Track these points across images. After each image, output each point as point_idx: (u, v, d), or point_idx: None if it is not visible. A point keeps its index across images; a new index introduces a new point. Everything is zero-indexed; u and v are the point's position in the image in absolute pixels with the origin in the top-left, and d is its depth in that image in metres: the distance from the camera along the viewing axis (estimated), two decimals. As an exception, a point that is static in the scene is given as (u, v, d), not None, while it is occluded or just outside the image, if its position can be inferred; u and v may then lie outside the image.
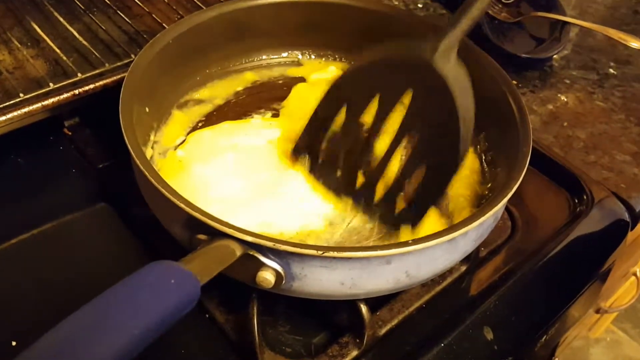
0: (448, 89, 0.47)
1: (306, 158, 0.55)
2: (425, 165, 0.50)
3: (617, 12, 0.96)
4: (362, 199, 0.53)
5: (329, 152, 0.54)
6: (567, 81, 0.80)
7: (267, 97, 0.65)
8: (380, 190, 0.52)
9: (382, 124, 0.51)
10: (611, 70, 0.82)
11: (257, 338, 0.47)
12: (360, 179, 0.53)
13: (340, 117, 0.53)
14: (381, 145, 0.52)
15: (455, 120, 0.47)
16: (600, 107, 0.76)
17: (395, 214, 0.51)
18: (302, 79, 0.68)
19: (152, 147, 0.57)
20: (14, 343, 0.46)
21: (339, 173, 0.54)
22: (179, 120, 0.61)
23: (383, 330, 0.50)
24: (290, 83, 0.67)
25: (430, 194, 0.50)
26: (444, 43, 0.48)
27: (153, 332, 0.32)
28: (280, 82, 0.67)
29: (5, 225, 0.55)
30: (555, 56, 0.82)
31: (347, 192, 0.53)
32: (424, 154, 0.50)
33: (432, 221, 0.52)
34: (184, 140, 0.59)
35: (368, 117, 0.52)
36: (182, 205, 0.42)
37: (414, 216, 0.50)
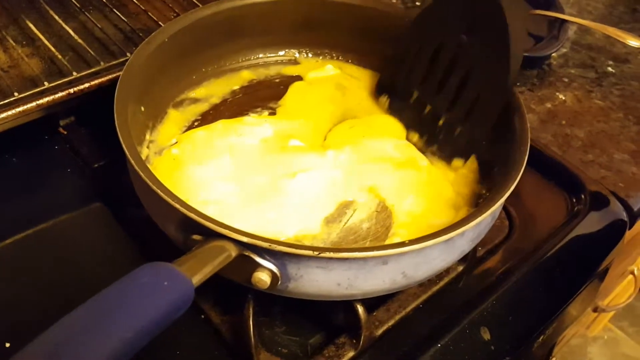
0: (503, 14, 0.51)
1: (386, 97, 0.63)
2: (479, 94, 0.55)
3: (616, 10, 0.95)
4: (430, 132, 0.59)
5: (404, 92, 0.61)
6: (566, 79, 0.79)
7: (263, 96, 0.64)
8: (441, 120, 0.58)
9: (449, 57, 0.57)
10: (609, 69, 0.82)
11: (253, 339, 0.46)
12: (428, 110, 0.59)
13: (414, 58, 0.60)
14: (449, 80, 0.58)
15: (506, 47, 0.52)
16: (598, 106, 0.75)
17: (452, 140, 0.57)
18: (299, 78, 0.67)
19: (148, 147, 0.57)
20: (7, 344, 0.46)
21: (412, 106, 0.60)
22: (175, 119, 0.60)
23: (380, 331, 0.50)
24: (287, 81, 0.66)
25: (483, 121, 0.55)
26: None
27: (146, 335, 0.32)
28: (277, 80, 0.67)
29: (0, 225, 0.55)
30: (553, 54, 0.82)
31: (416, 125, 0.60)
32: (479, 83, 0.55)
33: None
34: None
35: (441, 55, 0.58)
36: (177, 206, 0.42)
37: (466, 147, 0.56)
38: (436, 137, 0.59)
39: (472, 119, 0.56)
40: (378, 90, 0.64)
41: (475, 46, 0.55)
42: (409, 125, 0.61)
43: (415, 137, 0.60)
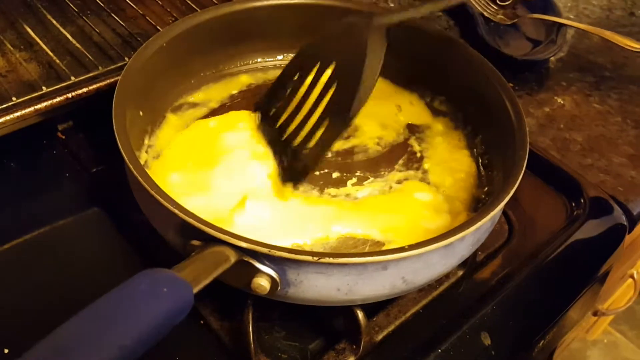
0: (365, 52, 0.53)
1: (257, 114, 0.62)
2: (327, 119, 0.55)
3: (613, 14, 0.96)
4: (282, 150, 0.58)
5: (278, 111, 0.60)
6: (564, 83, 0.79)
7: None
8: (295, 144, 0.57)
9: (316, 87, 0.57)
10: (607, 73, 0.82)
11: (252, 344, 0.46)
12: (289, 131, 0.58)
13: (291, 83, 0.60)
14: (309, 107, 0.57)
15: (358, 79, 0.52)
16: (596, 110, 0.75)
17: (297, 160, 0.56)
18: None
19: (147, 151, 0.57)
20: (6, 350, 0.46)
21: (277, 126, 0.59)
22: (174, 123, 0.60)
23: (380, 336, 0.50)
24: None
25: (319, 150, 0.55)
26: (377, 20, 0.54)
27: (146, 342, 0.31)
28: (276, 85, 0.67)
29: (-2, 230, 0.55)
30: (551, 58, 0.82)
31: (276, 148, 0.58)
32: (329, 109, 0.55)
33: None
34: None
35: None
36: (176, 211, 0.41)
37: (304, 167, 0.56)
38: (284, 161, 0.57)
39: (312, 147, 0.55)
40: (258, 106, 0.62)
41: (335, 76, 0.55)
42: (270, 144, 0.59)
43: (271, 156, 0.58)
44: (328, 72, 0.56)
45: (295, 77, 0.59)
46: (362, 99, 0.53)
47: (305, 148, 0.56)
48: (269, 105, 0.61)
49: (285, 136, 0.58)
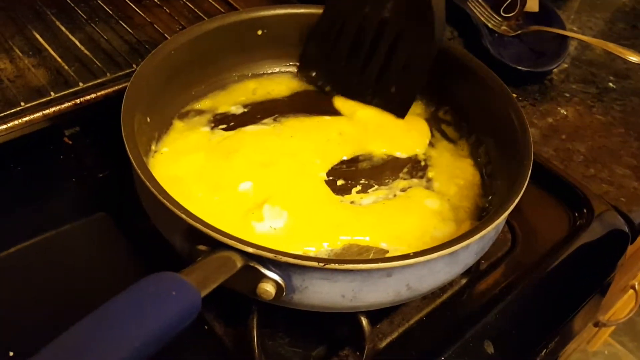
0: None
1: (314, 72, 0.65)
2: (408, 54, 0.59)
3: (616, 26, 0.96)
4: (363, 95, 0.62)
5: (333, 59, 0.63)
6: (567, 95, 0.80)
7: (268, 107, 0.65)
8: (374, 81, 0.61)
9: (375, 24, 0.60)
10: (610, 84, 0.83)
11: (256, 350, 0.46)
12: (361, 73, 0.62)
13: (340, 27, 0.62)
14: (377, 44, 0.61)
15: (430, 10, 0.55)
16: (599, 121, 0.76)
17: (389, 93, 0.60)
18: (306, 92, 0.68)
19: (153, 157, 0.57)
20: (11, 353, 0.46)
21: (342, 72, 0.62)
22: (180, 130, 0.60)
23: (383, 343, 0.50)
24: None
25: (415, 79, 0.59)
26: None
27: (154, 345, 0.32)
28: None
29: (4, 233, 0.55)
30: (555, 70, 0.83)
31: (348, 91, 0.62)
32: (406, 42, 0.58)
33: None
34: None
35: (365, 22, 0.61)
36: (184, 216, 0.42)
37: (401, 103, 0.60)
38: (370, 99, 0.63)
39: (404, 79, 0.60)
40: (304, 66, 0.66)
41: (398, 12, 0.58)
42: (342, 93, 0.64)
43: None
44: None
45: (342, 22, 0.61)
46: (439, 23, 0.55)
47: (399, 81, 0.59)
48: (321, 49, 0.63)
49: (358, 78, 0.61)
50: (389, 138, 0.62)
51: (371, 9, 0.60)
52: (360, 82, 0.62)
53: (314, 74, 0.64)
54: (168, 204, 0.43)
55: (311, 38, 0.65)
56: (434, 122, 0.65)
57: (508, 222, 0.60)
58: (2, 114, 0.56)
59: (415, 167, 0.60)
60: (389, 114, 0.64)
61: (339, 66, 0.63)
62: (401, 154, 0.61)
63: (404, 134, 0.63)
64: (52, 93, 0.59)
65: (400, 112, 0.60)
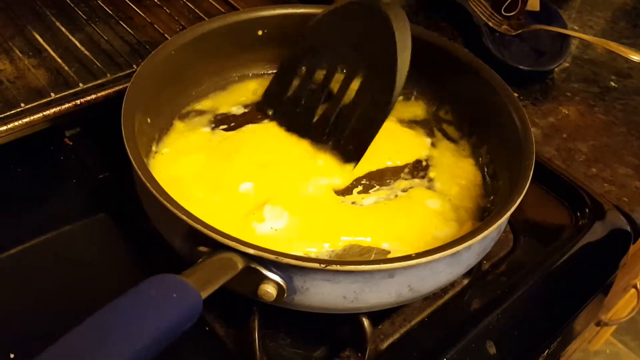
0: (390, 27, 0.54)
1: (272, 110, 0.63)
2: (367, 101, 0.57)
3: (617, 25, 0.96)
4: (318, 137, 0.60)
5: (291, 99, 0.62)
6: (569, 94, 0.80)
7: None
8: (330, 125, 0.60)
9: (337, 68, 0.60)
10: (612, 84, 0.82)
11: (257, 351, 0.46)
12: (318, 116, 0.60)
13: (304, 67, 0.62)
14: (336, 87, 0.60)
15: (393, 56, 0.54)
16: (601, 120, 0.76)
17: (341, 144, 0.58)
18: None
19: (154, 158, 0.57)
20: (12, 355, 0.46)
21: (299, 113, 0.61)
22: (181, 130, 0.60)
23: (385, 344, 0.50)
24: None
25: (369, 129, 0.57)
26: None
27: (155, 347, 0.31)
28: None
29: (5, 234, 0.55)
30: (556, 69, 0.83)
31: (304, 131, 0.60)
32: (366, 90, 0.57)
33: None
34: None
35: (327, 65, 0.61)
36: (184, 217, 0.42)
37: (355, 152, 0.57)
38: (325, 141, 0.60)
39: (359, 127, 0.58)
40: (264, 102, 0.64)
41: (363, 58, 0.57)
42: (297, 132, 0.61)
43: (306, 143, 0.60)
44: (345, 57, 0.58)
45: (306, 61, 0.61)
46: (401, 79, 0.54)
47: (354, 130, 0.57)
48: (282, 88, 0.62)
49: (315, 119, 0.60)
50: (388, 149, 0.61)
51: (335, 55, 0.59)
52: (315, 125, 0.60)
53: (270, 112, 0.63)
54: (168, 205, 0.42)
55: (275, 76, 0.65)
56: (435, 122, 0.65)
57: (510, 222, 0.60)
58: (2, 115, 0.56)
59: (417, 167, 0.60)
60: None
61: (295, 107, 0.62)
62: (401, 162, 0.61)
63: (402, 144, 0.62)
64: (52, 94, 0.59)
65: (353, 158, 0.58)
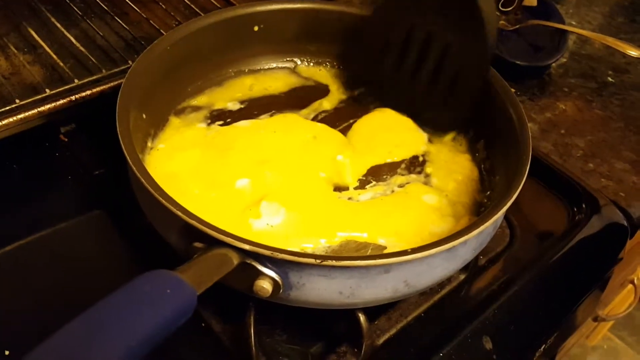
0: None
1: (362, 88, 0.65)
2: (458, 70, 0.58)
3: (615, 20, 0.96)
4: (413, 109, 0.61)
5: (383, 74, 0.63)
6: (566, 89, 0.80)
7: (265, 103, 0.65)
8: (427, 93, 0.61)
9: (424, 35, 0.59)
10: (609, 79, 0.82)
11: (253, 347, 0.46)
12: (413, 85, 0.61)
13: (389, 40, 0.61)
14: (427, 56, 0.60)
15: (480, 19, 0.54)
16: (598, 115, 0.76)
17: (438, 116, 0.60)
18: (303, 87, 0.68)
19: (149, 154, 0.57)
20: (6, 352, 0.46)
21: (391, 88, 0.62)
22: (176, 126, 0.60)
23: (381, 340, 0.50)
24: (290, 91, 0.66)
25: (466, 95, 0.58)
26: None
27: (149, 343, 0.31)
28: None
29: (0, 232, 0.55)
30: (553, 64, 0.82)
31: (399, 105, 0.62)
32: (456, 58, 0.58)
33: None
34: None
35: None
36: (179, 213, 0.41)
37: (451, 122, 0.60)
38: (421, 115, 0.62)
39: (455, 94, 0.59)
40: (352, 83, 0.65)
41: (447, 23, 0.57)
42: (391, 107, 0.63)
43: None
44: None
45: (387, 36, 0.61)
46: (491, 40, 0.54)
47: (449, 98, 0.58)
48: (368, 71, 0.63)
49: (408, 92, 0.60)
50: (386, 146, 0.61)
51: (418, 20, 0.59)
52: (409, 96, 0.61)
53: (357, 92, 0.64)
54: (163, 201, 0.42)
55: (354, 52, 0.65)
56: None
57: (506, 217, 0.60)
58: (-3, 112, 0.56)
59: (413, 163, 0.60)
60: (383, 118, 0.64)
61: (387, 80, 0.62)
62: (398, 158, 0.61)
63: (399, 139, 0.62)
64: (47, 90, 0.59)
65: (449, 127, 0.60)
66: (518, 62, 0.78)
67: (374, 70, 0.64)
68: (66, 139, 0.64)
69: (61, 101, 0.59)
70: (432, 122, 0.62)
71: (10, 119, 0.56)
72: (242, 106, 0.64)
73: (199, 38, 0.61)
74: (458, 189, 0.57)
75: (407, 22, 0.60)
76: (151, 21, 0.71)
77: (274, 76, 0.68)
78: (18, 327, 0.48)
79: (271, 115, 0.63)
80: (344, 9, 0.67)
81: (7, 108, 0.57)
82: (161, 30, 0.69)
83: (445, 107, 0.60)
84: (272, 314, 0.50)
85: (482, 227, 0.44)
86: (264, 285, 0.41)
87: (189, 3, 0.75)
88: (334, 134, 0.61)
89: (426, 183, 0.58)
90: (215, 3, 0.75)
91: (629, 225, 0.62)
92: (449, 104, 0.60)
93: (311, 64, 0.70)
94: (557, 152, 0.69)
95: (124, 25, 0.70)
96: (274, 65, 0.69)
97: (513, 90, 0.58)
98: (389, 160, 0.60)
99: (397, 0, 0.60)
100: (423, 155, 0.61)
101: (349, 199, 0.55)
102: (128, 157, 0.45)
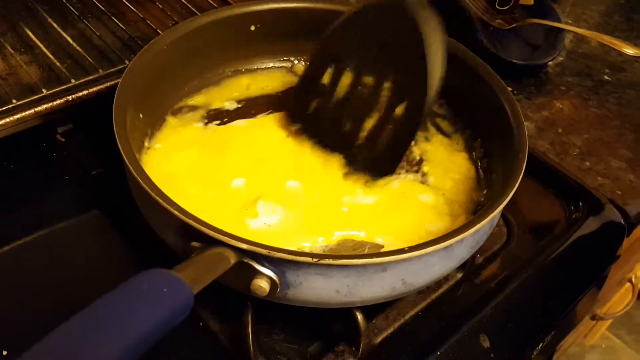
0: (418, 29, 0.50)
1: (297, 126, 0.59)
2: (398, 111, 0.54)
3: (611, 19, 0.96)
4: (348, 151, 0.57)
5: (317, 113, 0.59)
6: (563, 88, 0.80)
7: (262, 102, 0.64)
8: (361, 137, 0.57)
9: (363, 74, 0.56)
10: (606, 77, 0.82)
11: (251, 347, 0.46)
12: (347, 127, 0.57)
13: (327, 76, 0.58)
14: (364, 96, 0.57)
15: (423, 61, 0.50)
16: (595, 114, 0.76)
17: (374, 157, 0.55)
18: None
19: (146, 154, 0.57)
20: (4, 352, 0.46)
21: (326, 126, 0.58)
22: (173, 126, 0.60)
23: (379, 339, 0.50)
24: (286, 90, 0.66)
25: (401, 141, 0.54)
26: None
27: (146, 342, 0.31)
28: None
29: (-3, 232, 0.55)
30: (550, 63, 0.83)
31: (335, 145, 0.57)
32: (397, 98, 0.54)
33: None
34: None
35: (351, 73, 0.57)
36: (176, 213, 0.42)
37: (389, 164, 0.55)
38: (355, 157, 0.57)
39: (393, 136, 0.55)
40: (287, 118, 0.60)
41: (390, 64, 0.54)
42: (328, 147, 0.58)
43: (338, 159, 0.57)
44: (372, 63, 0.54)
45: (329, 70, 0.57)
46: (434, 84, 0.51)
47: (382, 143, 0.54)
48: (305, 102, 0.59)
49: (344, 130, 0.56)
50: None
51: (359, 63, 0.56)
52: (344, 138, 0.57)
53: (295, 128, 0.59)
54: (161, 201, 0.42)
55: (296, 90, 0.61)
56: (428, 116, 0.65)
57: (503, 215, 0.60)
58: (-6, 112, 0.56)
59: (410, 162, 0.60)
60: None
61: (321, 121, 0.58)
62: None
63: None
64: (44, 90, 0.59)
65: (386, 172, 0.55)
66: (515, 61, 0.78)
67: (305, 106, 0.60)
68: (63, 139, 0.64)
69: (58, 101, 0.59)
70: (364, 168, 0.56)
71: (7, 119, 0.56)
72: (239, 106, 0.64)
73: (195, 37, 0.61)
74: (455, 188, 0.57)
75: (350, 58, 0.56)
76: (148, 21, 0.71)
77: (270, 76, 0.68)
78: (16, 327, 0.48)
79: (268, 115, 0.63)
80: (340, 8, 0.67)
81: (4, 108, 0.57)
82: (158, 30, 0.69)
83: (372, 154, 0.56)
84: (270, 313, 0.50)
85: (478, 226, 0.44)
86: (262, 284, 0.41)
87: (185, 3, 0.75)
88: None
89: (423, 182, 0.58)
90: (212, 2, 0.75)
91: (625, 224, 0.62)
92: (376, 152, 0.56)
93: (308, 62, 0.70)
94: (554, 151, 0.69)
95: (121, 25, 0.70)
96: (271, 64, 0.69)
97: (510, 88, 0.58)
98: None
99: (343, 34, 0.56)
100: (420, 154, 0.61)
101: (346, 197, 0.55)
102: (125, 157, 0.45)
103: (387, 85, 0.55)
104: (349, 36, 0.56)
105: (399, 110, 0.54)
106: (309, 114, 0.59)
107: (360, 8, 0.55)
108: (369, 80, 0.56)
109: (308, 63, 0.60)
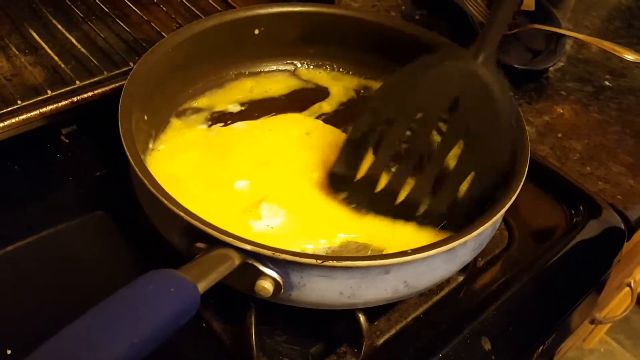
0: (492, 96, 0.49)
1: (344, 194, 0.54)
2: (473, 174, 0.51)
3: (612, 25, 0.97)
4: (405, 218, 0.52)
5: (367, 178, 0.54)
6: (563, 93, 0.80)
7: (265, 105, 0.65)
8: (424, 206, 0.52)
9: (426, 139, 0.54)
10: (606, 83, 0.83)
11: (254, 348, 0.46)
12: (402, 197, 0.53)
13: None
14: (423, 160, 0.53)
15: (497, 127, 0.49)
16: (596, 119, 0.76)
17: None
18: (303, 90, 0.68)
19: (151, 155, 0.57)
20: (9, 351, 0.46)
21: (377, 194, 0.53)
22: (177, 128, 0.60)
23: (381, 340, 0.50)
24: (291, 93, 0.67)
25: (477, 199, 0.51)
26: (485, 51, 0.50)
27: (153, 342, 0.32)
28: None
29: (1, 232, 0.55)
30: (550, 68, 0.83)
31: (386, 212, 0.52)
32: (469, 163, 0.51)
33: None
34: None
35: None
36: (182, 214, 0.42)
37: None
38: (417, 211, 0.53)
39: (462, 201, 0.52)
40: (332, 184, 0.55)
41: (459, 127, 0.51)
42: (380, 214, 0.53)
43: None
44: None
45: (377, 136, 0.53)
46: (507, 150, 0.49)
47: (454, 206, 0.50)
48: (350, 174, 0.54)
49: (399, 201, 0.52)
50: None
51: (423, 119, 0.52)
52: (400, 207, 0.52)
53: (342, 196, 0.53)
54: (166, 202, 0.43)
55: (341, 154, 0.55)
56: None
57: (505, 219, 0.61)
58: (-1, 113, 0.56)
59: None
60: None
61: (372, 187, 0.53)
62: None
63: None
64: (48, 91, 0.59)
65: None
66: (516, 66, 0.79)
67: (353, 173, 0.54)
68: (67, 140, 0.64)
69: (63, 102, 0.59)
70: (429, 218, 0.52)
71: (12, 120, 0.56)
72: (243, 108, 0.64)
73: (200, 40, 0.62)
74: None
75: (404, 119, 0.52)
76: (152, 23, 0.71)
77: (274, 79, 0.68)
78: (20, 327, 0.48)
79: (271, 117, 0.63)
80: (343, 12, 0.68)
81: (9, 109, 0.57)
82: (162, 33, 0.69)
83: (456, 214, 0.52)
84: (273, 315, 0.50)
85: (481, 229, 0.45)
86: (265, 286, 0.42)
87: (189, 6, 0.75)
88: (328, 129, 0.62)
89: (425, 185, 0.58)
90: (216, 6, 0.76)
91: (626, 228, 0.63)
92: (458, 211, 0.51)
93: (311, 66, 0.70)
94: (555, 155, 0.70)
95: (125, 28, 0.70)
96: (274, 67, 0.69)
97: (511, 93, 0.58)
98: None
99: (400, 91, 0.52)
100: (422, 158, 0.61)
101: (349, 200, 0.56)
102: (130, 158, 0.46)
103: (453, 150, 0.52)
104: (408, 94, 0.52)
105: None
106: (358, 181, 0.54)
107: (417, 65, 0.52)
108: (427, 142, 0.54)
109: (353, 126, 0.55)
